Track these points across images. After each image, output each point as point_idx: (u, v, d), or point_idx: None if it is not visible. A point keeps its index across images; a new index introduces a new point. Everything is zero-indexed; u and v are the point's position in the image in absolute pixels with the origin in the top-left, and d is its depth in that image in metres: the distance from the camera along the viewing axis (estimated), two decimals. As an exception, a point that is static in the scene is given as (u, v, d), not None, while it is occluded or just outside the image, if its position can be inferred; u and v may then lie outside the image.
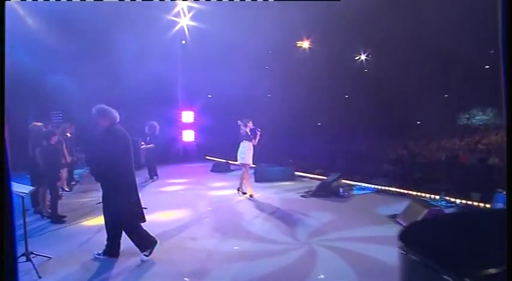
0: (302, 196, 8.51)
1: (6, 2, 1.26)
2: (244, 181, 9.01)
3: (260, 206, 7.85)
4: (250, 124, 8.98)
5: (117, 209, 4.76)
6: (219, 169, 13.15)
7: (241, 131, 8.93)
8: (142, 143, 11.97)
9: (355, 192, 8.68)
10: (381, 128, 17.33)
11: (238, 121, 9.00)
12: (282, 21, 14.12)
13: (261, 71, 17.29)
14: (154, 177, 11.84)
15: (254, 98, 16.45)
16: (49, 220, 7.09)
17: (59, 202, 7.39)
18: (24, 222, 4.52)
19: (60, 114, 15.89)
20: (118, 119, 4.90)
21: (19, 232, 5.84)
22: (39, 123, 7.82)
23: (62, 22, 13.27)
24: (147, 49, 15.05)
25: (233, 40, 15.04)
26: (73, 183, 11.09)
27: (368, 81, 19.19)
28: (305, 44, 18.18)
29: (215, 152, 16.72)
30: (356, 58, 20.26)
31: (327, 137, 17.55)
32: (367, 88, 18.44)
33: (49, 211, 7.22)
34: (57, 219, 6.94)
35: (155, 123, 11.86)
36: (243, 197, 8.77)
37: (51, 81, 14.13)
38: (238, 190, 9.01)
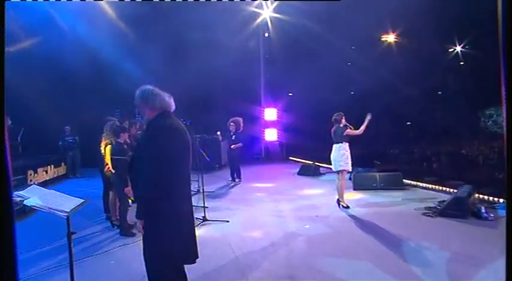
0: (425, 214, 6.38)
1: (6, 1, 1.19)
2: (340, 191, 7.19)
3: (371, 227, 5.92)
4: (344, 120, 7.15)
5: (164, 248, 2.89)
6: (307, 172, 11.39)
7: (336, 129, 7.13)
8: (220, 137, 10.69)
9: (499, 212, 6.30)
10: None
11: (336, 115, 7.19)
12: (367, 13, 12.17)
13: (345, 66, 15.15)
14: (237, 180, 10.47)
15: (338, 95, 14.47)
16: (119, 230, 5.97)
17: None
18: (70, 247, 3.19)
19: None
20: (172, 108, 3.07)
21: (61, 255, 4.75)
22: (114, 119, 6.77)
23: (146, 21, 12.60)
24: (229, 43, 13.86)
25: (317, 33, 13.30)
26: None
27: (464, 76, 15.89)
28: (391, 38, 15.52)
29: (300, 153, 15.02)
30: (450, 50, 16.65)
31: (418, 137, 15.26)
32: (465, 83, 15.21)
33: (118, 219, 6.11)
34: (126, 231, 5.75)
35: (240, 119, 10.48)
36: (344, 212, 6.91)
37: (138, 79, 13.58)
38: (339, 203, 7.17)
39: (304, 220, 6.42)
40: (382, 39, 15.51)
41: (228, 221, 6.35)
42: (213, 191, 9.15)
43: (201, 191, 8.99)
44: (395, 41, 15.46)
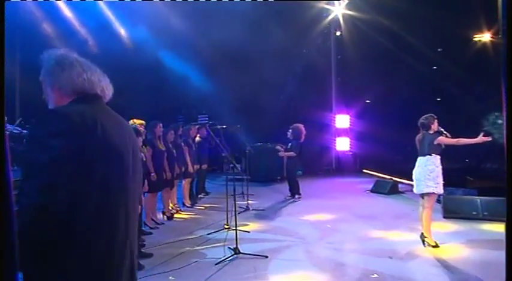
0: None
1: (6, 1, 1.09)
2: (424, 222, 5.11)
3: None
4: (435, 125, 5.11)
5: None
6: (382, 190, 9.25)
7: (424, 136, 5.15)
8: (281, 148, 9.09)
9: None
10: None
11: (424, 119, 5.21)
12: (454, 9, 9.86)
13: (429, 70, 12.48)
14: (296, 196, 8.77)
15: (421, 102, 12.02)
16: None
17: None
18: None
19: (206, 117, 14.45)
20: (105, 94, 1.65)
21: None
22: (139, 121, 5.59)
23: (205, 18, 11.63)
24: (296, 42, 12.33)
25: (395, 33, 11.15)
26: (201, 195, 8.93)
27: None
28: (486, 37, 12.39)
29: (376, 166, 12.79)
30: None
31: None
32: None
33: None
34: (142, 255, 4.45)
35: (300, 126, 8.82)
36: (430, 253, 4.86)
37: (200, 83, 12.70)
38: (423, 240, 5.10)
39: (372, 262, 4.53)
40: (475, 39, 12.54)
41: (266, 257, 4.72)
42: (263, 210, 7.59)
43: (248, 208, 7.58)
44: (491, 41, 12.41)
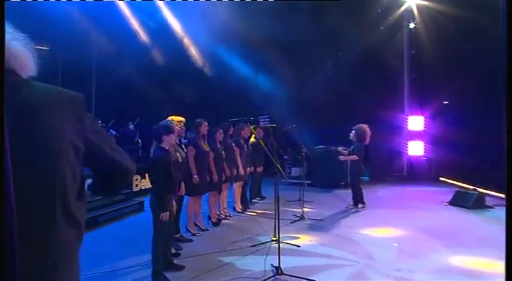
0: None
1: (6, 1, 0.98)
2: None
3: None
4: None
5: None
6: (463, 203, 7.79)
7: None
8: (344, 151, 8.10)
9: None
10: None
11: None
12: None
13: None
14: (359, 205, 7.74)
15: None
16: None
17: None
18: None
19: (268, 118, 13.83)
20: (25, 70, 1.09)
21: None
22: (177, 118, 5.08)
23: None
24: (364, 35, 11.19)
25: (477, 26, 9.51)
26: (256, 200, 8.32)
27: None
28: None
29: (455, 174, 11.14)
30: None
31: None
32: None
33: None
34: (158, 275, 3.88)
35: (364, 126, 7.77)
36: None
37: (261, 82, 12.17)
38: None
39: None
40: None
41: (314, 281, 3.89)
42: (320, 220, 6.69)
43: (303, 217, 6.74)
44: None
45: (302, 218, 6.71)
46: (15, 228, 0.95)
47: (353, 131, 7.81)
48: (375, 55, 11.12)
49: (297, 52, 11.20)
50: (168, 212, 3.73)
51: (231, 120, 6.13)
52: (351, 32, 10.87)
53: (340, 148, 8.44)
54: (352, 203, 7.94)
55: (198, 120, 5.66)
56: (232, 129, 6.86)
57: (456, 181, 10.95)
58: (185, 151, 5.19)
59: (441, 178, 11.82)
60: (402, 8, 11.81)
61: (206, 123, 5.69)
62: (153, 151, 3.86)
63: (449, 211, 7.62)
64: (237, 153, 7.04)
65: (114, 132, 9.63)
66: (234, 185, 7.23)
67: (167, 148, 3.86)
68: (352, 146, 7.71)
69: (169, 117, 4.62)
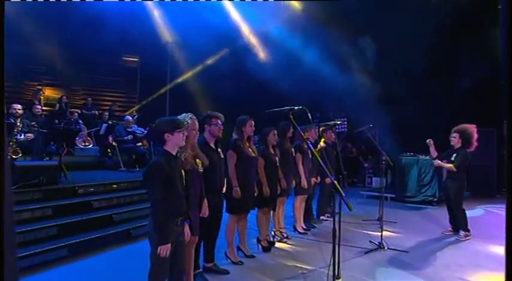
0: None
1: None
2: None
3: None
4: None
5: None
6: None
7: None
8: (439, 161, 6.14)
9: None
10: None
11: None
12: None
13: None
14: (462, 233, 5.71)
15: None
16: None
17: None
18: None
19: (345, 121, 12.09)
20: None
21: None
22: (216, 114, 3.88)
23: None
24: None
25: None
26: (325, 217, 6.81)
27: None
28: None
29: None
30: None
31: None
32: None
33: None
34: None
35: (471, 127, 5.82)
36: None
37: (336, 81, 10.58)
38: None
39: None
40: None
41: None
42: (405, 251, 4.93)
43: (382, 246, 5.05)
44: None
45: (380, 247, 5.03)
46: (15, 228, 1.03)
47: (455, 134, 5.85)
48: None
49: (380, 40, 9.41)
50: (169, 245, 2.53)
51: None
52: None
53: (431, 149, 6.38)
54: (450, 228, 5.96)
55: (243, 117, 4.42)
56: (291, 130, 5.48)
57: None
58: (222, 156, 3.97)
59: None
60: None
61: (252, 122, 4.42)
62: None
63: None
64: (298, 160, 5.65)
65: (142, 131, 8.80)
66: (295, 199, 5.84)
67: (173, 153, 2.67)
68: (455, 154, 5.74)
69: (187, 114, 3.39)
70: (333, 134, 6.41)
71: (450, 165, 5.70)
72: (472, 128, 5.79)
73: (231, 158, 4.20)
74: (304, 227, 6.00)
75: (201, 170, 3.24)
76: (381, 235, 5.21)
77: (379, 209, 6.08)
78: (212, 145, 3.84)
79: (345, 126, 12.08)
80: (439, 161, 5.93)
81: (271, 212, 5.21)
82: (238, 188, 4.16)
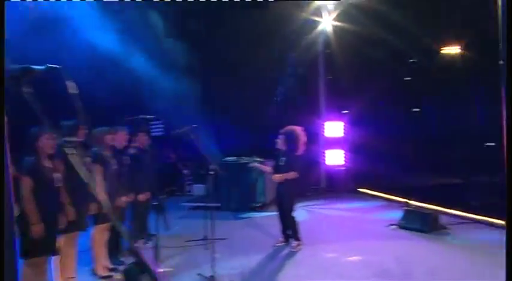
0: None
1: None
2: None
3: None
4: None
5: None
6: (413, 224, 5.82)
7: None
8: (264, 167, 5.51)
9: None
10: None
11: None
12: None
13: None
14: (293, 242, 5.16)
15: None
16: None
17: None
18: None
19: (161, 125, 10.57)
20: None
21: None
22: None
23: None
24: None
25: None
26: (138, 245, 5.16)
27: None
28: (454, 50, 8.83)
29: (377, 184, 9.54)
30: None
31: None
32: None
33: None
34: None
35: (296, 129, 5.29)
36: None
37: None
38: None
39: None
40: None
41: None
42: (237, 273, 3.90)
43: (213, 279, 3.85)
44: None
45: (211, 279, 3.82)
46: (15, 228, 1.01)
47: (281, 136, 5.26)
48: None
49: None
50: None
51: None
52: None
53: (254, 163, 5.78)
54: (281, 239, 5.34)
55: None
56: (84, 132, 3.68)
57: (377, 191, 9.47)
58: None
59: (360, 189, 10.15)
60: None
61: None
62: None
63: (404, 238, 5.53)
64: (98, 174, 3.90)
65: None
66: (92, 229, 4.03)
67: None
68: (284, 158, 5.11)
69: None
70: (145, 137, 4.97)
71: (292, 173, 5.02)
72: (298, 130, 5.35)
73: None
74: (110, 266, 4.24)
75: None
76: (212, 264, 4.00)
77: (204, 223, 4.95)
78: None
79: (161, 129, 10.55)
80: (278, 176, 5.16)
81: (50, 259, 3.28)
82: None
